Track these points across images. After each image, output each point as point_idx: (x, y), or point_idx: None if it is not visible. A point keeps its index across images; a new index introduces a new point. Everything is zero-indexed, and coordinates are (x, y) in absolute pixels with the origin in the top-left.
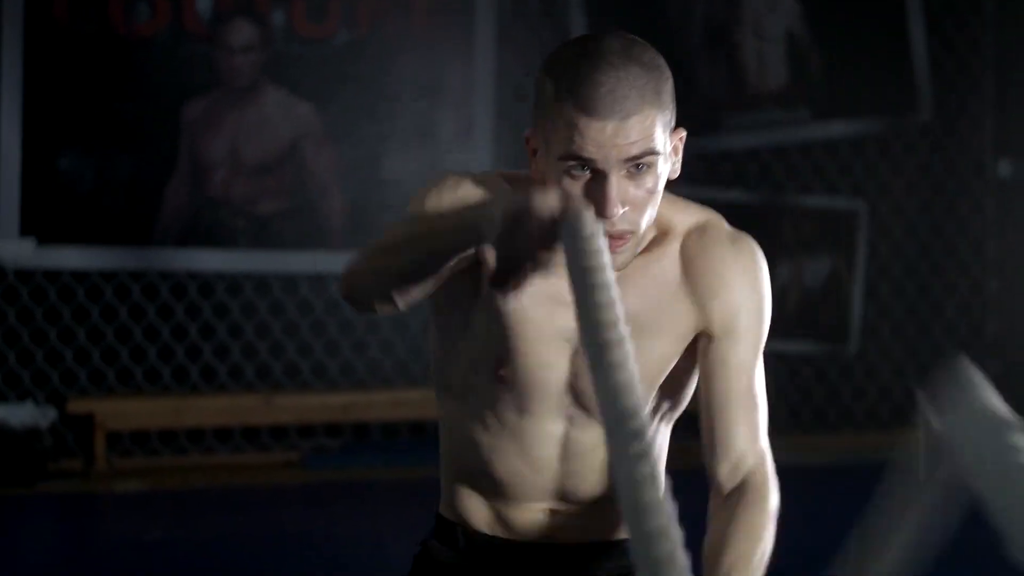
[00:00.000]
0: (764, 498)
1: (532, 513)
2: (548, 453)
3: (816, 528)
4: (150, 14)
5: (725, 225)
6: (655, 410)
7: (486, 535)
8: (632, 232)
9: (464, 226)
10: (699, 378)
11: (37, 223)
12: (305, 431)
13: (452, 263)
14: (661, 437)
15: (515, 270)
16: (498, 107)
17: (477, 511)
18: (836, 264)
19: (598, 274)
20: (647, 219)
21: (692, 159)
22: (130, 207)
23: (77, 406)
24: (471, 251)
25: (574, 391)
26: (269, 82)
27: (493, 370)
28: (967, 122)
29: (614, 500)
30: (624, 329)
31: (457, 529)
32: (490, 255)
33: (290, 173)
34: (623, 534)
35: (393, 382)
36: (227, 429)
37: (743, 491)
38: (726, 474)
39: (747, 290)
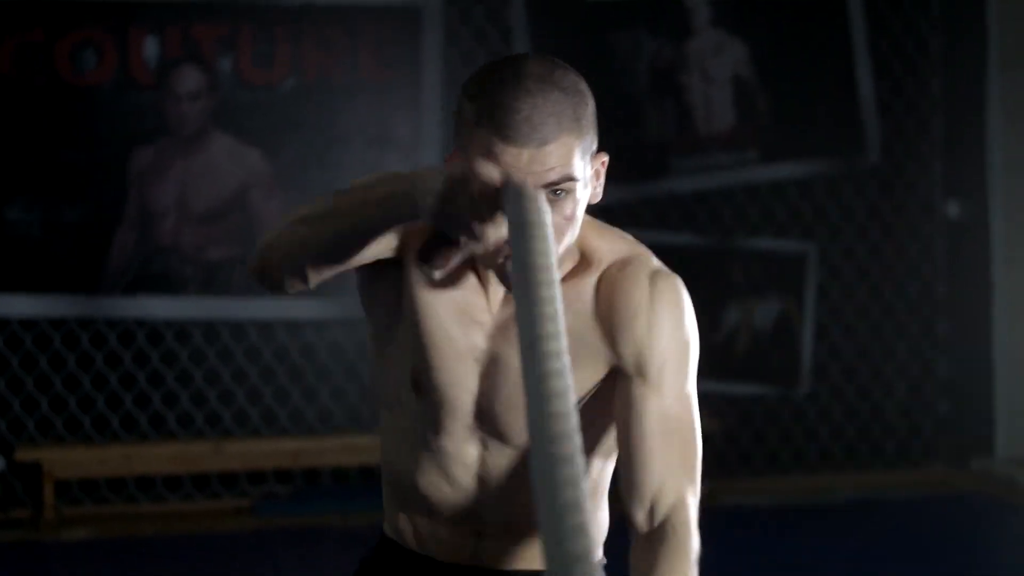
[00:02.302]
0: (684, 544)
1: (458, 535)
2: (465, 475)
3: (777, 568)
4: (97, 62)
5: (651, 261)
6: (592, 446)
7: (417, 554)
8: None
9: (397, 194)
10: (615, 417)
11: None
12: (255, 478)
13: (376, 240)
14: (599, 471)
15: (446, 244)
16: (446, 154)
17: (408, 529)
18: (786, 306)
19: (542, 257)
20: (565, 244)
21: (640, 202)
22: (78, 255)
23: (25, 454)
24: (398, 225)
25: (487, 414)
26: (217, 129)
27: (411, 383)
28: (916, 163)
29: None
30: (560, 321)
31: (394, 546)
32: (420, 230)
33: (238, 220)
34: None
35: (343, 428)
36: (177, 477)
37: (662, 537)
38: (642, 518)
39: (662, 330)
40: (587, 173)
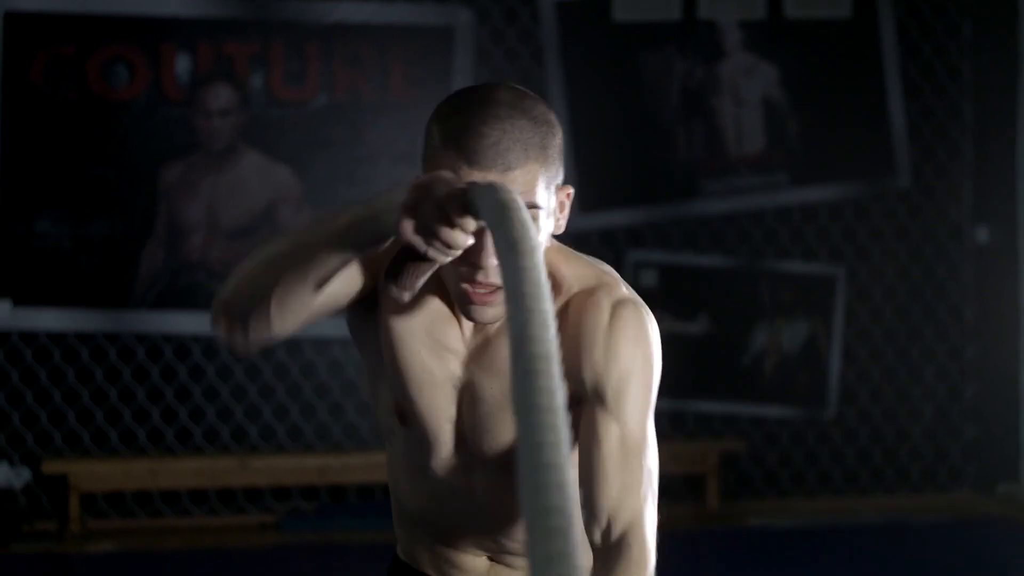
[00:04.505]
0: (640, 560)
1: (471, 558)
2: (461, 500)
3: None
4: (129, 78)
5: (617, 289)
6: None
7: (416, 571)
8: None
9: (361, 218)
10: (576, 439)
11: (13, 284)
12: (281, 493)
13: (343, 273)
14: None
15: (413, 260)
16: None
17: (422, 554)
18: (814, 329)
19: (527, 256)
20: None
21: (669, 223)
22: (107, 269)
23: (52, 467)
24: (364, 250)
25: (469, 439)
26: (247, 145)
27: (396, 415)
28: (945, 188)
29: None
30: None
31: (407, 570)
32: (387, 255)
33: (267, 236)
34: None
35: (369, 445)
36: (202, 491)
37: (618, 555)
38: (599, 537)
39: (619, 356)
40: (551, 203)
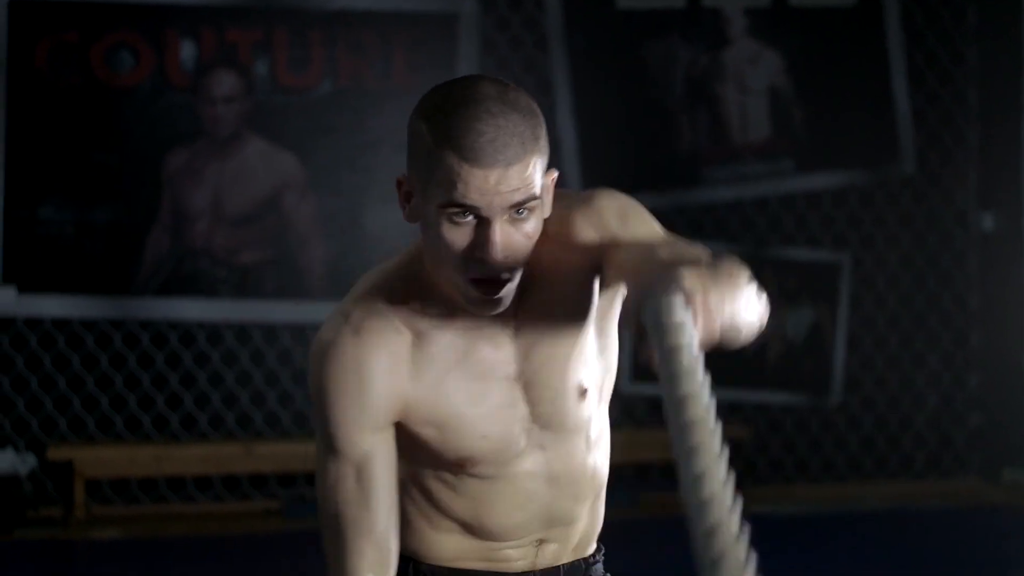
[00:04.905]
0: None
1: (519, 549)
2: (534, 486)
3: None
4: (133, 64)
5: (577, 193)
6: (600, 387)
7: (447, 568)
8: (510, 279)
9: None
10: (621, 280)
11: (18, 271)
12: (285, 480)
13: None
14: (604, 420)
15: None
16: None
17: (445, 547)
18: (819, 316)
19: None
20: (523, 261)
21: (673, 211)
22: (111, 256)
23: (57, 453)
24: None
25: (538, 420)
26: (251, 132)
27: (458, 466)
28: (950, 175)
29: (593, 509)
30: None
31: (408, 564)
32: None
33: (272, 223)
34: (592, 548)
35: None
36: (207, 478)
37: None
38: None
39: (609, 209)
40: (544, 190)
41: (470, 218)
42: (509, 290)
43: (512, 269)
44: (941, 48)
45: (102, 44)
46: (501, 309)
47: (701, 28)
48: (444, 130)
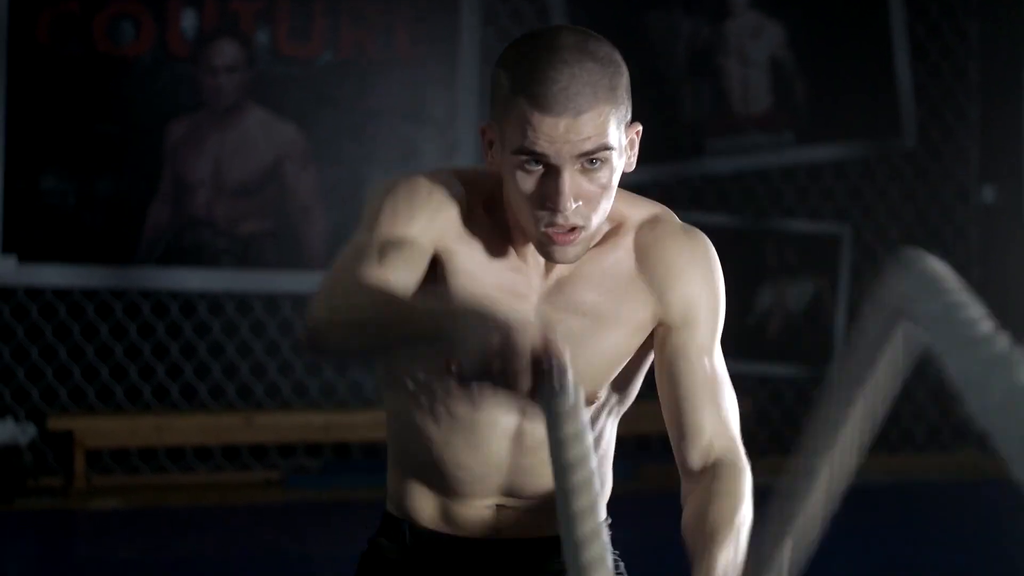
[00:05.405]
0: (740, 470)
1: (479, 510)
2: (500, 447)
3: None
4: (134, 35)
5: (676, 219)
6: (605, 404)
7: (431, 531)
8: (584, 227)
9: (436, 330)
10: (659, 370)
11: (19, 240)
12: (286, 450)
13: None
14: (609, 431)
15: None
16: (480, 124)
17: (423, 507)
18: (819, 288)
19: (577, 445)
20: (600, 214)
21: (675, 182)
22: (112, 226)
23: (57, 423)
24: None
25: None
26: (252, 102)
27: (444, 363)
28: (951, 148)
29: None
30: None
31: (403, 525)
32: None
33: (273, 193)
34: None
35: (374, 402)
36: (207, 448)
37: (716, 469)
38: (697, 458)
39: (702, 280)
40: (622, 142)
41: (540, 167)
42: (583, 238)
43: (585, 217)
44: (943, 22)
45: (104, 15)
46: (572, 258)
47: (703, 0)
48: (519, 78)
